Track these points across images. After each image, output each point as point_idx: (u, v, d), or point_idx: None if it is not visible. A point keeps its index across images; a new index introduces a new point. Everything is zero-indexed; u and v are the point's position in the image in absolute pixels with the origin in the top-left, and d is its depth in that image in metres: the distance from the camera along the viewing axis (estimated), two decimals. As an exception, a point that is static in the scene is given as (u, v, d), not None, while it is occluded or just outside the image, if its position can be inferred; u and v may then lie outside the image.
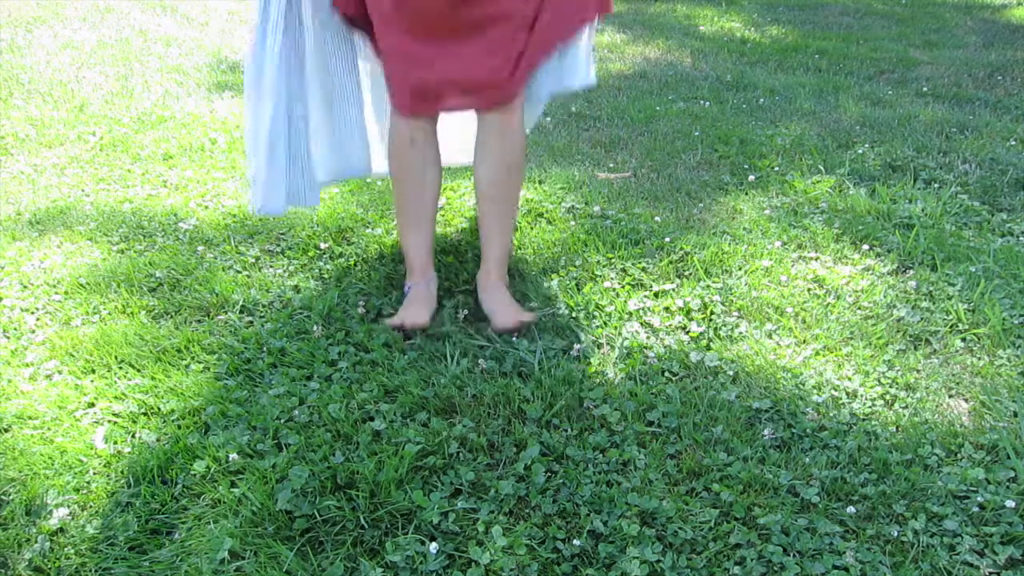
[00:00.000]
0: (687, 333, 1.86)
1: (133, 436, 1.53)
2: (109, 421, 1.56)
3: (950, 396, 1.68)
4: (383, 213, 2.40)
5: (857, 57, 4.49)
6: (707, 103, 3.61)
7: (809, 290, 2.03)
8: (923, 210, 2.47)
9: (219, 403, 1.59)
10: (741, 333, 1.86)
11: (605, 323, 1.89)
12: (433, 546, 1.27)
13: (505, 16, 1.69)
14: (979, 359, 1.79)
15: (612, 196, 2.56)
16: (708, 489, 1.41)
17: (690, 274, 2.10)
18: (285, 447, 1.48)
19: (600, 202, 2.50)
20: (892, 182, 2.71)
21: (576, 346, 1.79)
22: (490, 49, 1.71)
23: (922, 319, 1.92)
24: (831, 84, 3.92)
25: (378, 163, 2.09)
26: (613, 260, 2.14)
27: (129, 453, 1.48)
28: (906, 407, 1.64)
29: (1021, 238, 2.33)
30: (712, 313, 1.92)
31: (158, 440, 1.51)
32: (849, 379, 1.70)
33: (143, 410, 1.59)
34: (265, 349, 1.76)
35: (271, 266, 2.12)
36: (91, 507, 1.37)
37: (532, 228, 2.33)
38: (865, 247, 2.25)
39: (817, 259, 2.18)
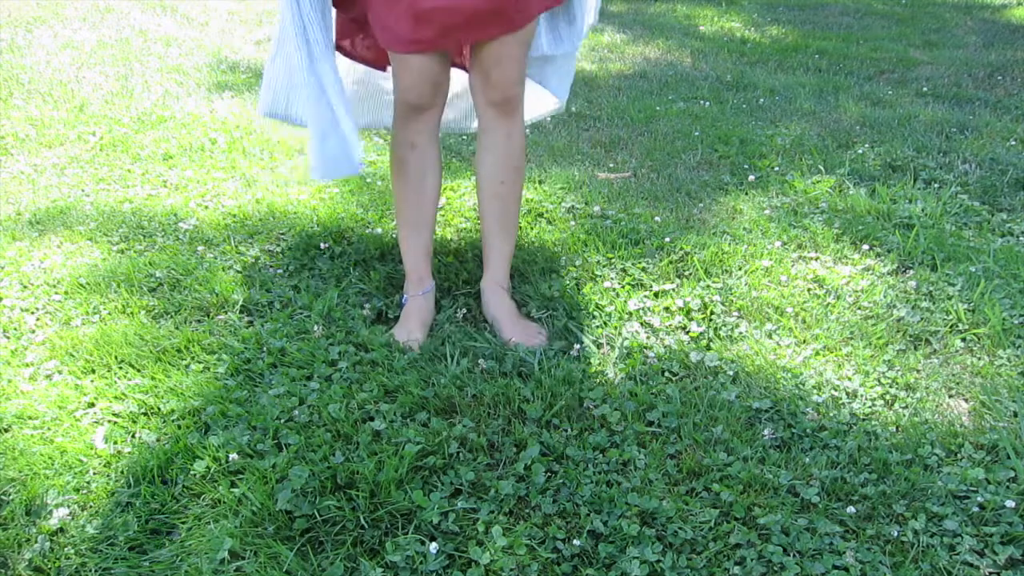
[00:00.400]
0: (687, 333, 1.86)
1: (133, 436, 1.53)
2: (109, 421, 1.56)
3: (950, 396, 1.68)
4: (383, 213, 2.40)
5: (857, 57, 4.49)
6: (707, 103, 3.61)
7: (809, 290, 2.03)
8: (923, 210, 2.47)
9: (219, 403, 1.59)
10: (741, 333, 1.86)
11: (605, 323, 1.89)
12: (433, 546, 1.27)
13: None
14: (979, 359, 1.79)
15: (612, 196, 2.56)
16: (708, 489, 1.41)
17: (690, 274, 2.10)
18: (285, 447, 1.48)
19: (600, 202, 2.50)
20: (892, 182, 2.71)
21: (576, 346, 1.79)
22: None
23: (922, 319, 1.92)
24: (831, 84, 3.92)
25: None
26: (613, 260, 2.14)
27: (129, 453, 1.48)
28: (906, 407, 1.64)
29: (1021, 238, 2.33)
30: (712, 313, 1.92)
31: (158, 440, 1.51)
32: (849, 379, 1.70)
33: (143, 410, 1.59)
34: (265, 349, 1.76)
35: (271, 266, 2.12)
36: (91, 507, 1.37)
37: (532, 228, 2.33)
38: (865, 247, 2.25)
39: (817, 259, 2.18)
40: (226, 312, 1.91)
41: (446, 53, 1.75)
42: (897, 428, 1.58)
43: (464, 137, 3.07)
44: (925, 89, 3.86)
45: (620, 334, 1.85)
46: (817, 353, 1.79)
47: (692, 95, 3.74)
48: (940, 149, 3.00)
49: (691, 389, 1.67)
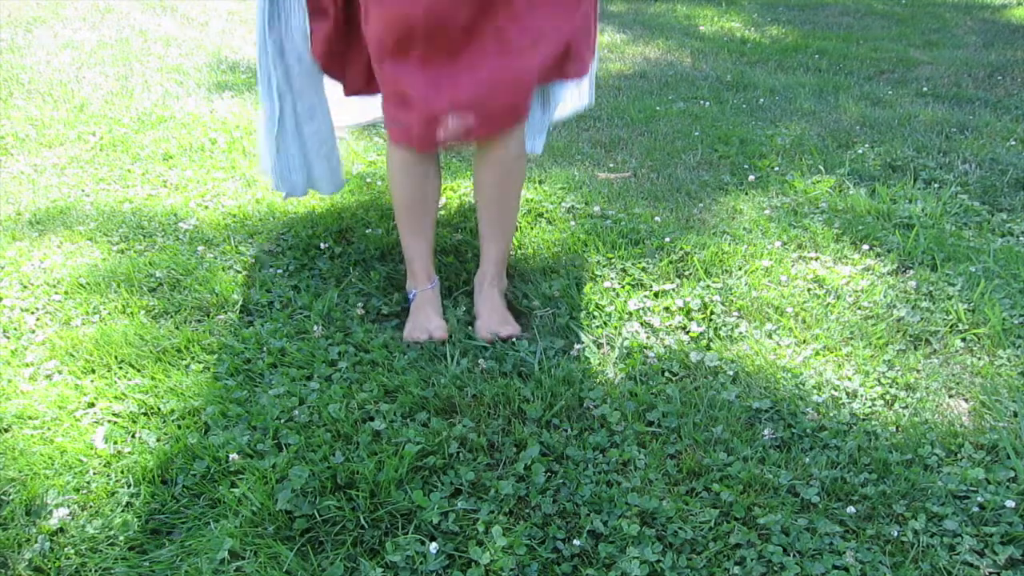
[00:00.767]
0: (687, 333, 1.86)
1: (133, 436, 1.53)
2: (109, 421, 1.56)
3: (950, 396, 1.68)
4: (383, 213, 2.40)
5: (857, 57, 4.49)
6: (707, 103, 3.61)
7: (809, 290, 2.03)
8: (923, 210, 2.47)
9: (219, 403, 1.59)
10: (741, 333, 1.86)
11: (605, 323, 1.89)
12: (433, 546, 1.27)
13: (518, 26, 1.66)
14: (979, 359, 1.79)
15: (612, 196, 2.56)
16: (708, 489, 1.41)
17: (690, 274, 2.10)
18: (285, 447, 1.48)
19: (600, 202, 2.50)
20: (892, 182, 2.71)
21: (576, 346, 1.79)
22: (503, 66, 1.67)
23: (922, 319, 1.92)
24: (831, 84, 3.92)
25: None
26: (613, 260, 2.14)
27: (129, 453, 1.48)
28: (906, 407, 1.64)
29: (1021, 238, 2.33)
30: (712, 313, 1.92)
31: (158, 440, 1.51)
32: (849, 379, 1.70)
33: (143, 410, 1.59)
34: (265, 349, 1.76)
35: (271, 266, 2.12)
36: (91, 507, 1.37)
37: (532, 228, 2.33)
38: (865, 247, 2.25)
39: (817, 259, 2.18)
40: (226, 312, 1.91)
41: None
42: (897, 428, 1.58)
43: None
44: (925, 89, 3.87)
45: (620, 334, 1.85)
46: (817, 353, 1.79)
47: (692, 95, 3.74)
48: (940, 149, 3.00)
49: (691, 389, 1.67)
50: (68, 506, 1.36)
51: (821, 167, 2.83)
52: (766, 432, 1.55)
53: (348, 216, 2.37)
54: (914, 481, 1.43)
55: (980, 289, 2.01)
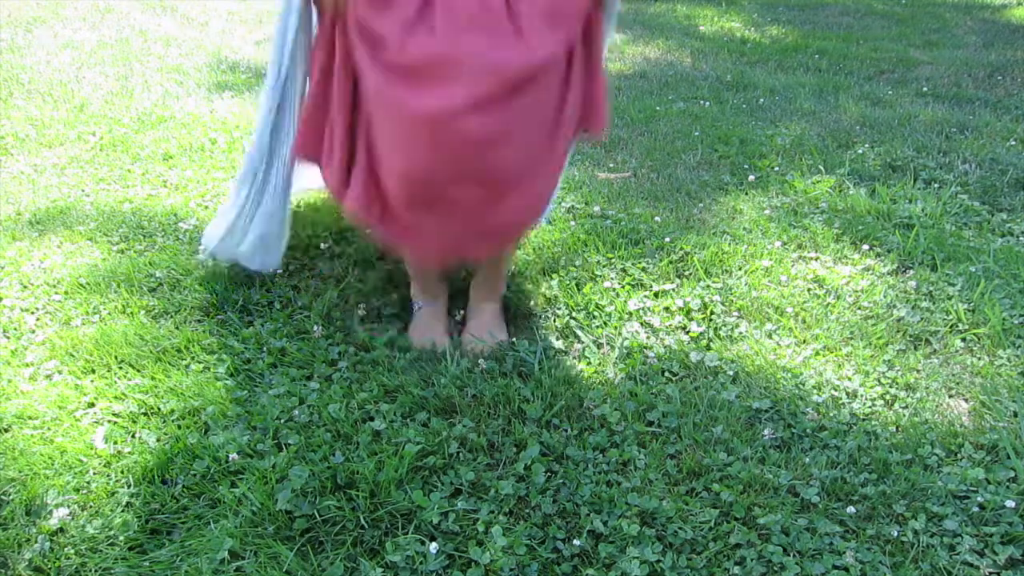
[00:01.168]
0: (687, 333, 1.86)
1: (133, 436, 1.53)
2: (109, 421, 1.56)
3: (950, 396, 1.68)
4: (383, 213, 2.40)
5: (857, 57, 4.49)
6: (707, 103, 3.61)
7: (809, 290, 2.03)
8: (923, 210, 2.47)
9: (219, 403, 1.59)
10: (741, 333, 1.86)
11: (605, 323, 1.89)
12: (433, 546, 1.27)
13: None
14: (979, 359, 1.79)
15: (612, 196, 2.56)
16: (708, 489, 1.41)
17: (690, 274, 2.10)
18: (285, 447, 1.48)
19: (600, 202, 2.50)
20: (892, 182, 2.71)
21: (576, 346, 1.79)
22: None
23: (922, 319, 1.92)
24: (831, 84, 3.92)
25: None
26: (613, 260, 2.14)
27: (129, 453, 1.48)
28: (906, 407, 1.64)
29: (1021, 238, 2.33)
30: (712, 313, 1.92)
31: (158, 440, 1.51)
32: (849, 379, 1.70)
33: (143, 410, 1.59)
34: (265, 349, 1.76)
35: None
36: (91, 507, 1.37)
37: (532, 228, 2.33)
38: (865, 247, 2.25)
39: (817, 259, 2.18)
40: (226, 312, 1.91)
41: None
42: (897, 428, 1.58)
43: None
44: (925, 89, 3.86)
45: (620, 334, 1.85)
46: (817, 353, 1.79)
47: (692, 95, 3.73)
48: (940, 149, 3.00)
49: (691, 389, 1.67)
50: (68, 506, 1.36)
51: (821, 167, 2.83)
52: (766, 432, 1.55)
53: (348, 216, 2.37)
54: (914, 481, 1.43)
55: (980, 289, 2.01)
